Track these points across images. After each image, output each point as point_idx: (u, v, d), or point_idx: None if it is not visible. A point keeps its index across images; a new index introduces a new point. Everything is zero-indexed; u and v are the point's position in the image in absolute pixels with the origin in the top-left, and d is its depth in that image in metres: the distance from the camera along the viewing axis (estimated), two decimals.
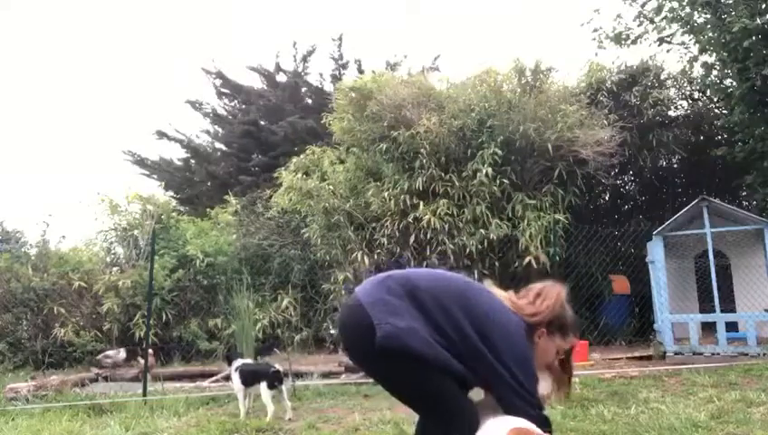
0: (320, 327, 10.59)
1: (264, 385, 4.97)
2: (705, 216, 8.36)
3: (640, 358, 8.04)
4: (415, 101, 10.45)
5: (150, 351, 8.50)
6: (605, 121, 10.53)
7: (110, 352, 8.63)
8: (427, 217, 9.41)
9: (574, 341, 2.09)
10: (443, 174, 9.93)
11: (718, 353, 7.65)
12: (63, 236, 13.54)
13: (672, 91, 12.93)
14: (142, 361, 8.35)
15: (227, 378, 6.26)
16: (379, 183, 10.31)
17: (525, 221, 9.57)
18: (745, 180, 10.60)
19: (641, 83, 11.98)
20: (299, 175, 10.97)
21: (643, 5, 12.76)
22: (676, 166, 12.83)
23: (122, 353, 8.79)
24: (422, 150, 9.85)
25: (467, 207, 9.79)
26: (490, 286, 2.18)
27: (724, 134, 12.02)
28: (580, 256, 9.74)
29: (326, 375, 7.34)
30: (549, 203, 9.85)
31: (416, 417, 2.16)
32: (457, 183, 9.89)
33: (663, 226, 8.83)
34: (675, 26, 12.30)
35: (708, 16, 10.94)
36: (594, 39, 13.51)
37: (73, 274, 10.55)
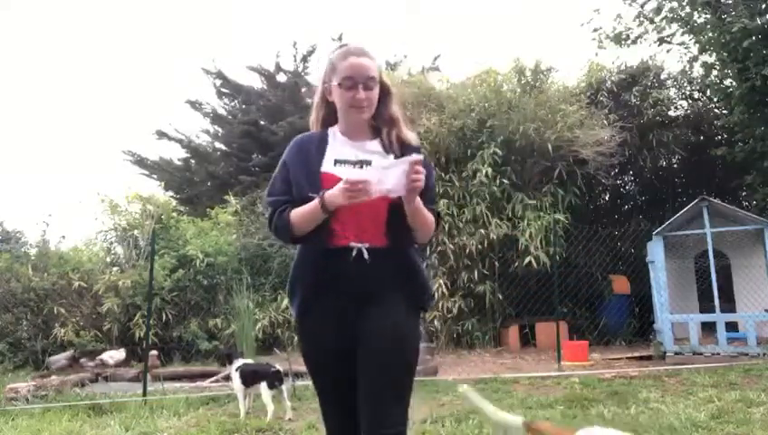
0: None
1: (264, 385, 4.97)
2: (705, 216, 8.36)
3: (640, 358, 8.05)
4: (415, 101, 10.46)
5: (155, 352, 8.59)
6: (605, 121, 10.54)
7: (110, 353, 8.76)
8: None
9: (345, 65, 1.90)
10: (443, 174, 9.94)
11: (718, 353, 7.65)
12: (63, 237, 13.52)
13: (672, 91, 12.96)
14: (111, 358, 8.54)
15: (227, 378, 6.26)
16: None
17: (525, 221, 9.57)
18: (745, 180, 10.61)
19: (641, 83, 11.99)
20: None
21: (643, 5, 12.76)
22: (676, 166, 12.85)
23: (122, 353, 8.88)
24: (422, 150, 9.85)
25: (467, 207, 9.80)
26: None
27: (724, 134, 12.03)
28: (580, 256, 9.75)
29: None
30: (549, 203, 9.86)
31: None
32: (457, 183, 9.90)
33: (663, 226, 8.83)
34: (675, 26, 12.30)
35: (708, 16, 10.95)
36: (594, 39, 13.50)
37: (73, 274, 10.55)
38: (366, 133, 1.97)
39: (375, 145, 1.94)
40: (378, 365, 1.77)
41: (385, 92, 1.97)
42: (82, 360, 8.82)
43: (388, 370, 1.77)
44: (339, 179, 1.77)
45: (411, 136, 2.01)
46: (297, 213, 1.83)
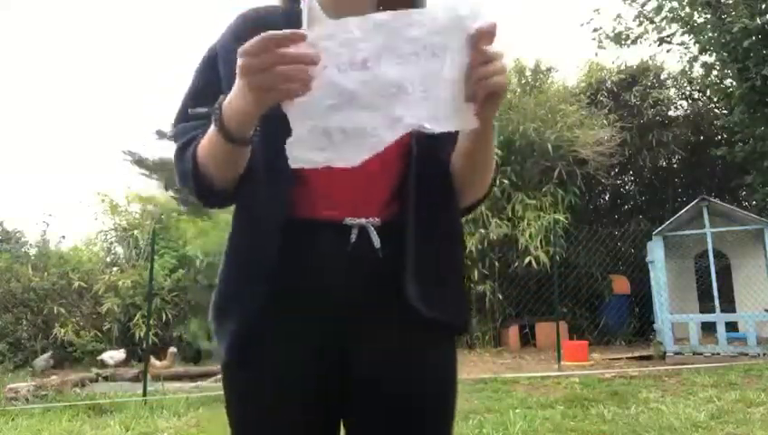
0: None
1: None
2: (705, 216, 8.37)
3: (640, 358, 8.05)
4: None
5: (174, 349, 8.64)
6: (605, 121, 10.55)
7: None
8: None
9: None
10: None
11: (718, 353, 7.65)
12: (63, 237, 13.49)
13: (672, 91, 12.98)
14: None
15: None
16: None
17: (525, 221, 9.58)
18: (745, 180, 10.62)
19: (641, 83, 12.00)
20: None
21: (643, 5, 12.77)
22: (676, 166, 12.86)
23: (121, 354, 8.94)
24: None
25: None
26: None
27: (724, 134, 12.04)
28: (581, 256, 9.76)
29: None
30: (549, 203, 9.87)
31: None
32: None
33: (663, 226, 8.83)
34: (675, 26, 12.32)
35: (708, 16, 10.96)
36: (594, 39, 13.51)
37: (73, 274, 10.55)
38: (367, 5, 1.03)
39: None
40: None
41: None
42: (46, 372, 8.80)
43: None
44: None
45: None
46: (203, 144, 0.94)
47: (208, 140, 0.92)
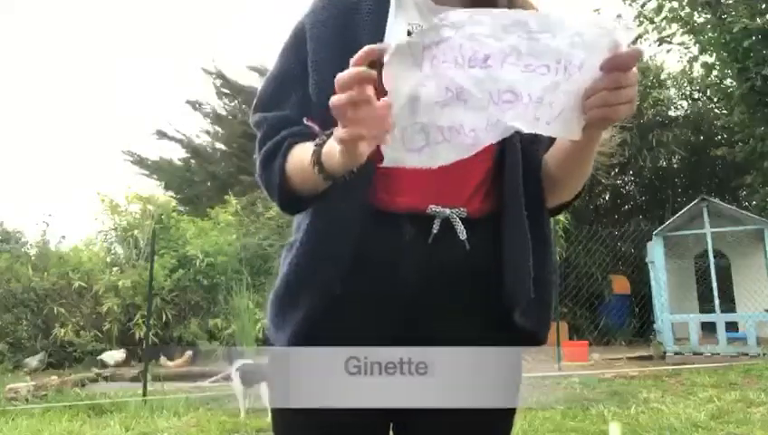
0: None
1: (264, 385, 4.97)
2: (705, 216, 8.37)
3: (640, 358, 8.05)
4: None
5: (190, 352, 8.65)
6: None
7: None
8: None
9: None
10: None
11: (718, 353, 7.65)
12: (63, 237, 13.51)
13: (672, 91, 12.99)
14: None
15: (227, 378, 6.27)
16: None
17: None
18: (745, 180, 10.63)
19: (641, 83, 11.99)
20: None
21: (643, 5, 12.77)
22: (676, 166, 12.87)
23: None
24: None
25: None
26: None
27: (724, 134, 12.06)
28: (580, 256, 9.75)
29: None
30: None
31: None
32: None
33: (663, 226, 8.83)
34: (675, 26, 12.32)
35: (708, 16, 10.96)
36: None
37: (73, 274, 10.56)
38: None
39: None
40: None
41: None
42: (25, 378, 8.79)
43: None
44: None
45: None
46: (295, 162, 0.90)
47: (300, 162, 0.87)
